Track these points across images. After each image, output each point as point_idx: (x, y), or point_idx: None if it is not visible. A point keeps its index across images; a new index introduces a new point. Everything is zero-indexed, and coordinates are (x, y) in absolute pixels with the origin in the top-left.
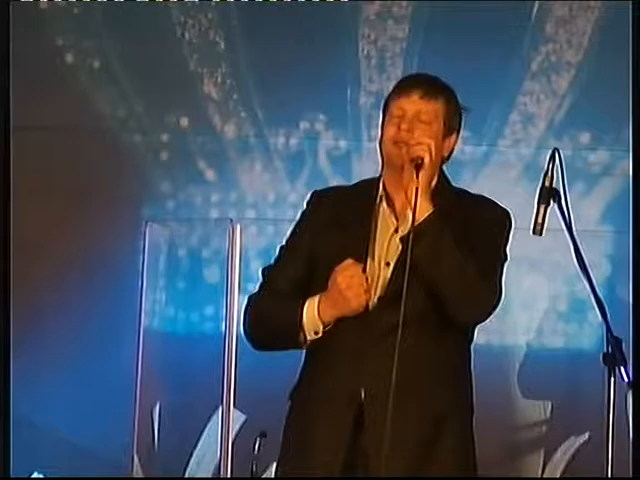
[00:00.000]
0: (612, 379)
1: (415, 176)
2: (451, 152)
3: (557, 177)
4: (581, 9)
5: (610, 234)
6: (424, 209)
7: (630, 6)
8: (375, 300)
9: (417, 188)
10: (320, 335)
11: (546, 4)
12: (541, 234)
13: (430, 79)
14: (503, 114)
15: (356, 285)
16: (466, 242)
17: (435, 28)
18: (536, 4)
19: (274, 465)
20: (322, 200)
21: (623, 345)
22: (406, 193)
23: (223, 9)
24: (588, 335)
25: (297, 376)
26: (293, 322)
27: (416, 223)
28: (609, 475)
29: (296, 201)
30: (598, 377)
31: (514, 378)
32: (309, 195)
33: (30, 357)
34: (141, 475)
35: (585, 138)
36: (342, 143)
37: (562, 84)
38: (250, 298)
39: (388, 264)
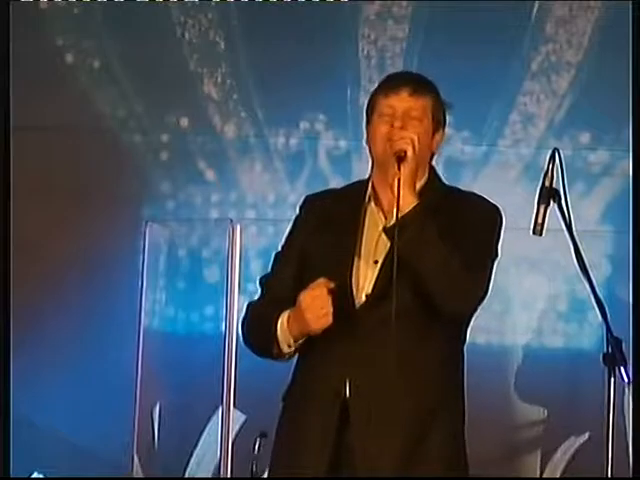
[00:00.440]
0: (612, 379)
1: (397, 168)
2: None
3: (557, 177)
4: (581, 9)
5: (610, 234)
6: (408, 202)
7: (630, 6)
8: (363, 298)
9: (399, 179)
10: (293, 349)
11: (546, 4)
12: (541, 234)
13: (416, 76)
14: (503, 114)
15: (317, 307)
16: (454, 236)
17: (435, 28)
18: (536, 4)
19: None
20: (313, 204)
21: (623, 345)
22: (391, 187)
23: (223, 9)
24: (588, 335)
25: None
26: (269, 335)
27: (400, 215)
28: (609, 475)
29: (296, 201)
30: (598, 377)
31: (514, 378)
32: (301, 200)
33: (30, 357)
34: (141, 475)
35: (585, 138)
36: (342, 143)
37: (562, 84)
38: (247, 307)
39: (376, 262)
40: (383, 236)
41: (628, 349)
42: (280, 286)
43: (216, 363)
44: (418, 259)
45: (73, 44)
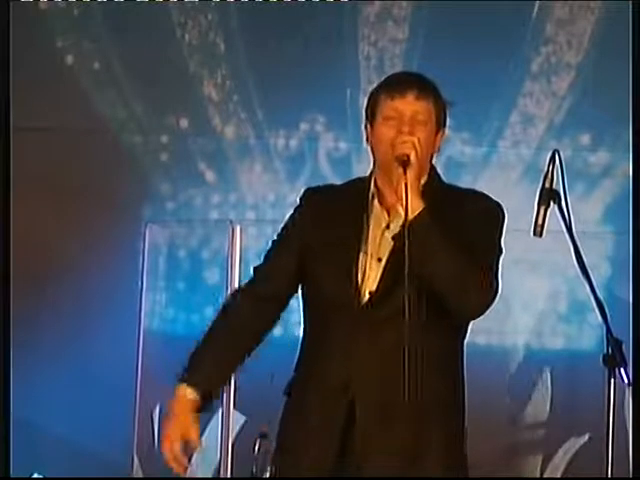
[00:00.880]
0: (612, 380)
1: (404, 172)
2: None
3: (557, 178)
4: (581, 10)
5: (610, 235)
6: (415, 206)
7: (630, 6)
8: (367, 295)
9: (406, 184)
10: None
11: (546, 5)
12: (541, 235)
13: (419, 78)
14: (503, 115)
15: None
16: (459, 237)
17: (435, 29)
18: (536, 5)
19: None
20: (314, 197)
21: (623, 346)
22: (396, 191)
23: (223, 10)
24: (588, 336)
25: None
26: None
27: (407, 220)
28: (609, 475)
29: (296, 202)
30: (598, 378)
31: (514, 379)
32: (302, 192)
33: (30, 357)
34: (141, 475)
35: (585, 139)
36: (342, 144)
37: (562, 85)
38: (236, 290)
39: (380, 260)
40: (387, 234)
41: (628, 350)
42: (268, 278)
43: None
44: (428, 264)
45: (73, 45)
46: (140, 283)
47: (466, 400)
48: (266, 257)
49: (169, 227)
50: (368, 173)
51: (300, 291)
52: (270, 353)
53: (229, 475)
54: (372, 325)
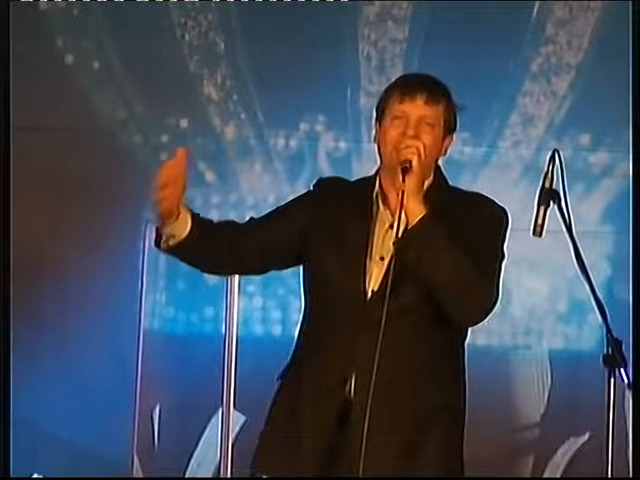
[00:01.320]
0: (612, 380)
1: (402, 180)
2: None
3: (557, 178)
4: (581, 10)
5: (610, 235)
6: (417, 212)
7: (630, 6)
8: (369, 293)
9: (403, 192)
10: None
11: (546, 5)
12: (541, 235)
13: (432, 81)
14: (503, 115)
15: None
16: (462, 241)
17: (435, 29)
18: (536, 5)
19: None
20: (326, 186)
21: (623, 346)
22: (398, 195)
23: (223, 10)
24: (588, 336)
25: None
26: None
27: (410, 226)
28: (609, 475)
29: None
30: (598, 378)
31: (514, 379)
32: (315, 180)
33: (30, 357)
34: (141, 475)
35: (585, 139)
36: (342, 144)
37: (562, 85)
38: None
39: (382, 259)
40: (389, 234)
41: (628, 350)
42: (259, 225)
43: (216, 364)
44: (430, 269)
45: (73, 45)
46: (140, 283)
47: (467, 400)
48: (268, 213)
49: None
50: (373, 172)
51: (302, 283)
52: (270, 353)
53: (229, 475)
54: (372, 322)
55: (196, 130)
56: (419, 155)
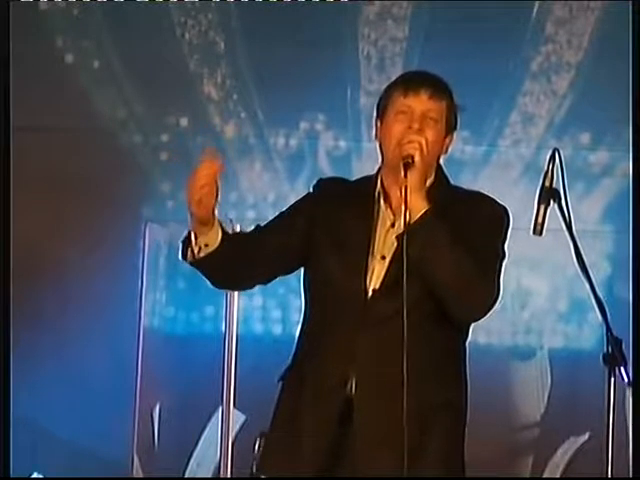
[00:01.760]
0: (612, 379)
1: (404, 175)
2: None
3: (557, 177)
4: (581, 9)
5: (610, 234)
6: (419, 207)
7: (630, 6)
8: (370, 292)
9: (406, 187)
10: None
11: (546, 4)
12: (541, 234)
13: (435, 78)
14: (503, 114)
15: (198, 179)
16: (464, 239)
17: (435, 28)
18: (536, 4)
19: None
20: (326, 187)
21: (623, 345)
22: (400, 191)
23: (223, 9)
24: (588, 335)
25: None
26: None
27: (411, 221)
28: (609, 475)
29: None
30: (598, 377)
31: (514, 378)
32: (315, 181)
33: (30, 357)
34: (141, 475)
35: (585, 138)
36: (342, 143)
37: (562, 84)
38: None
39: (384, 257)
40: (391, 232)
41: (628, 349)
42: (274, 231)
43: (216, 363)
44: (431, 265)
45: (73, 44)
46: (140, 282)
47: (468, 399)
48: (270, 221)
49: (169, 226)
50: (374, 171)
51: (303, 284)
52: (270, 352)
53: (229, 475)
54: (373, 321)
55: (196, 129)
56: (421, 150)
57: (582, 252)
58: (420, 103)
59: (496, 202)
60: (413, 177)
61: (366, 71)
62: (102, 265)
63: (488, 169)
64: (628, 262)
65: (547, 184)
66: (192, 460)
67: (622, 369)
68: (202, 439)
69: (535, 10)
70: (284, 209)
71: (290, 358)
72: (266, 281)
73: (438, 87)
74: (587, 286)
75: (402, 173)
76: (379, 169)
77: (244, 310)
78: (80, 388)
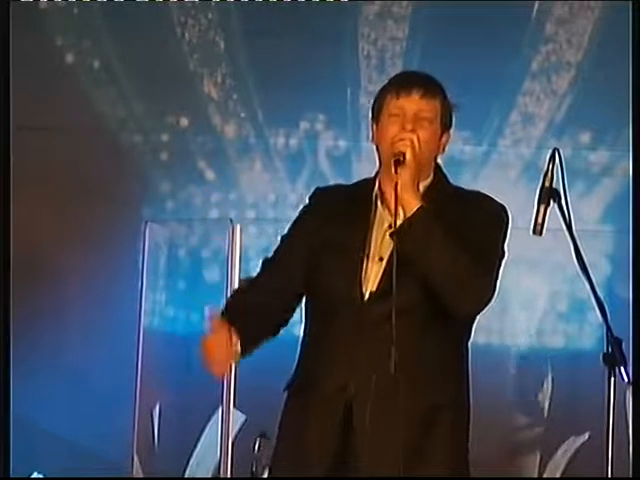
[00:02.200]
0: (612, 379)
1: (394, 171)
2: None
3: (557, 177)
4: (581, 9)
5: (610, 234)
6: (412, 205)
7: (630, 6)
8: (367, 294)
9: (397, 183)
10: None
11: (546, 4)
12: (541, 234)
13: (426, 77)
14: (503, 114)
15: (214, 354)
16: (461, 237)
17: (435, 28)
18: (536, 4)
19: None
20: (322, 197)
21: (623, 345)
22: (392, 190)
23: (223, 9)
24: (588, 335)
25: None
26: None
27: (405, 218)
28: (609, 475)
29: (296, 201)
30: (598, 377)
31: (514, 378)
32: (311, 191)
33: (30, 357)
34: (141, 475)
35: (585, 138)
36: (342, 143)
37: (562, 84)
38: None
39: (381, 259)
40: (388, 234)
41: (628, 349)
42: (276, 273)
43: None
44: (425, 261)
45: (73, 44)
46: (140, 282)
47: (471, 400)
48: (275, 252)
49: (169, 226)
50: (369, 173)
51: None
52: (270, 352)
53: (229, 475)
54: (371, 323)
55: (196, 129)
56: (413, 147)
57: (582, 252)
58: (412, 103)
59: (495, 200)
60: (404, 174)
61: (366, 71)
62: (102, 265)
63: (488, 169)
64: (628, 262)
65: (547, 184)
66: (192, 460)
67: (622, 369)
68: (202, 439)
69: (535, 10)
70: (285, 233)
71: (291, 360)
72: (296, 306)
73: (430, 87)
74: (587, 286)
75: (392, 170)
76: (377, 172)
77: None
78: (80, 388)
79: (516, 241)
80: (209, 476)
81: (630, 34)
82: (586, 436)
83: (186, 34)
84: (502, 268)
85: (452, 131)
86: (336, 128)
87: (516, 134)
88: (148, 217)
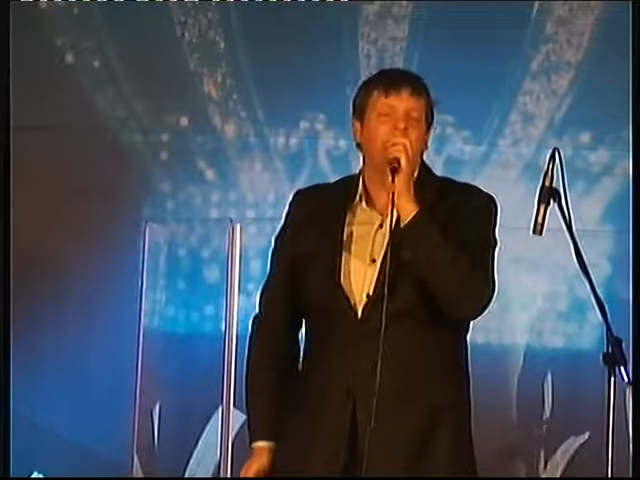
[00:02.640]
0: (612, 379)
1: (391, 180)
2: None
3: (557, 177)
4: (581, 9)
5: (610, 234)
6: (409, 210)
7: (630, 6)
8: (364, 298)
9: (394, 193)
10: None
11: (546, 4)
12: (541, 234)
13: (412, 74)
14: (503, 114)
15: None
16: (454, 234)
17: (435, 28)
18: (536, 4)
19: None
20: (303, 199)
21: (623, 345)
22: (389, 195)
23: (223, 9)
24: (588, 335)
25: None
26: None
27: (402, 225)
28: (609, 475)
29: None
30: (598, 377)
31: (514, 378)
32: (292, 194)
33: (30, 357)
34: (141, 475)
35: (585, 138)
36: (342, 143)
37: (562, 84)
38: (252, 322)
39: (374, 261)
40: (379, 233)
41: (628, 349)
42: (278, 307)
43: (216, 363)
44: (426, 267)
45: (73, 44)
46: (140, 282)
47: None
48: (267, 278)
49: (169, 226)
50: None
51: None
52: None
53: (229, 475)
54: (370, 327)
55: (196, 128)
56: (407, 153)
57: (582, 252)
58: (402, 102)
59: (481, 191)
60: (400, 181)
61: (366, 70)
62: (102, 265)
63: (488, 169)
64: (628, 262)
65: (547, 184)
66: (192, 460)
67: (622, 369)
68: (202, 439)
69: (535, 10)
70: (272, 253)
71: None
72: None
73: (417, 84)
74: (587, 286)
75: (390, 178)
76: (360, 171)
77: (244, 310)
78: (80, 388)
79: (516, 241)
80: (209, 476)
81: (630, 34)
82: (586, 436)
83: (186, 34)
84: (502, 268)
85: (452, 131)
86: (336, 128)
87: (516, 134)
88: (148, 217)
